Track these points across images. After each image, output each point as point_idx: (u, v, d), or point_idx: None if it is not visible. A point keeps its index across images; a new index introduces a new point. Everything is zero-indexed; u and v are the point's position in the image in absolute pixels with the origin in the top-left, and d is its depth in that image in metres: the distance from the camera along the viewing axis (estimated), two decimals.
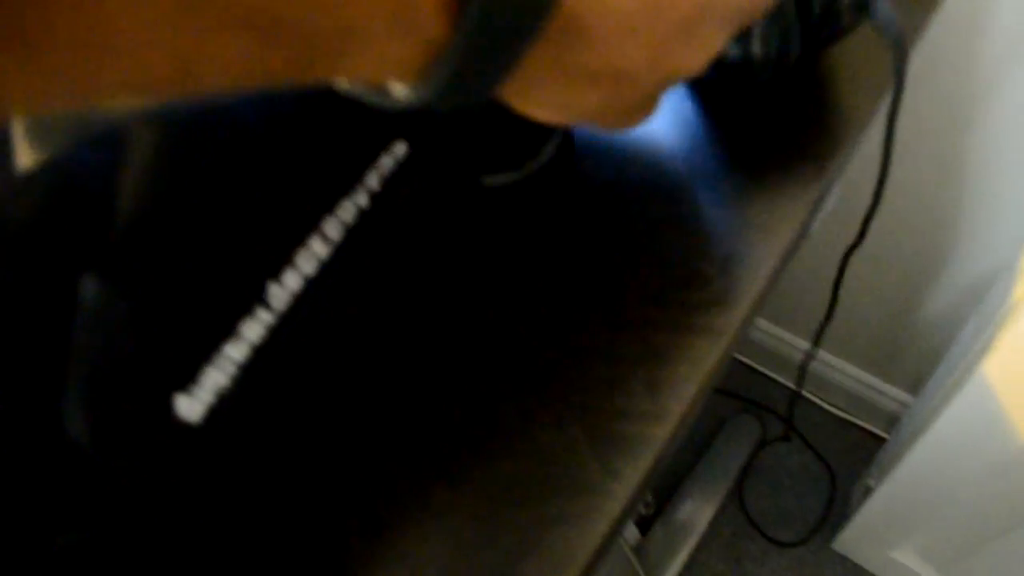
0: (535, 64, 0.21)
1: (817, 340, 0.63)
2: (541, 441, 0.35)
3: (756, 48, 0.37)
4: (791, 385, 1.34)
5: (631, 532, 1.16)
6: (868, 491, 1.05)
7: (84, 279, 0.24)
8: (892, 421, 1.24)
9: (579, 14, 0.20)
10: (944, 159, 0.82)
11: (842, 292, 0.60)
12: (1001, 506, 0.87)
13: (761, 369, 1.37)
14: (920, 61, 0.73)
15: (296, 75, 0.17)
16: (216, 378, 0.25)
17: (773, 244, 0.40)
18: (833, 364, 1.23)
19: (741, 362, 1.39)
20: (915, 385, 1.16)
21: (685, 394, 0.35)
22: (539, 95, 0.23)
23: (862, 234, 0.49)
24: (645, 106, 0.26)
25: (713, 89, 0.44)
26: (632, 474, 0.34)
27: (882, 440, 1.27)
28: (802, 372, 0.81)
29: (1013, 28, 0.68)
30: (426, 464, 0.34)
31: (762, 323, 1.28)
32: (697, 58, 0.25)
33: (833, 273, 1.05)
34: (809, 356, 0.70)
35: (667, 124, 0.44)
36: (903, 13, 0.48)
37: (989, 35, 0.69)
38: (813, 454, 1.30)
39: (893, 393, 1.20)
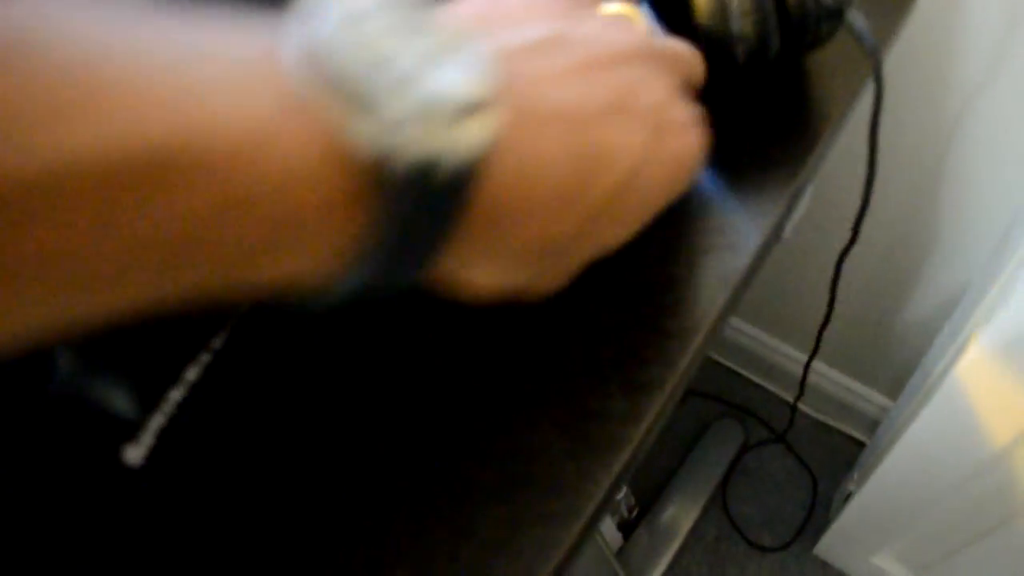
0: (458, 247, 0.21)
1: (816, 346, 0.64)
2: (517, 442, 0.35)
3: (735, 28, 0.38)
4: (772, 389, 1.35)
5: (614, 536, 1.17)
6: (849, 496, 1.06)
7: (61, 353, 0.26)
8: (873, 426, 1.25)
9: (500, 201, 0.21)
10: (920, 173, 0.83)
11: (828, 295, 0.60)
12: (978, 509, 0.88)
13: (743, 372, 1.38)
14: (896, 73, 0.74)
15: (217, 288, 0.18)
16: (159, 421, 0.27)
17: (744, 247, 0.40)
18: (815, 368, 1.24)
19: (723, 365, 1.40)
20: (895, 390, 1.17)
21: (659, 395, 0.36)
22: (464, 274, 0.23)
23: (853, 238, 0.50)
24: (568, 275, 0.27)
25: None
26: (606, 474, 0.34)
27: (863, 445, 1.28)
28: (802, 384, 0.82)
29: (988, 44, 0.69)
30: (400, 463, 0.34)
31: (743, 326, 1.29)
32: (618, 235, 0.26)
33: (813, 277, 1.06)
34: (808, 363, 0.70)
35: None
36: (878, 16, 0.49)
37: (963, 52, 0.71)
38: (795, 459, 1.31)
39: (874, 398, 1.21)
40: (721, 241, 0.40)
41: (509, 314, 0.38)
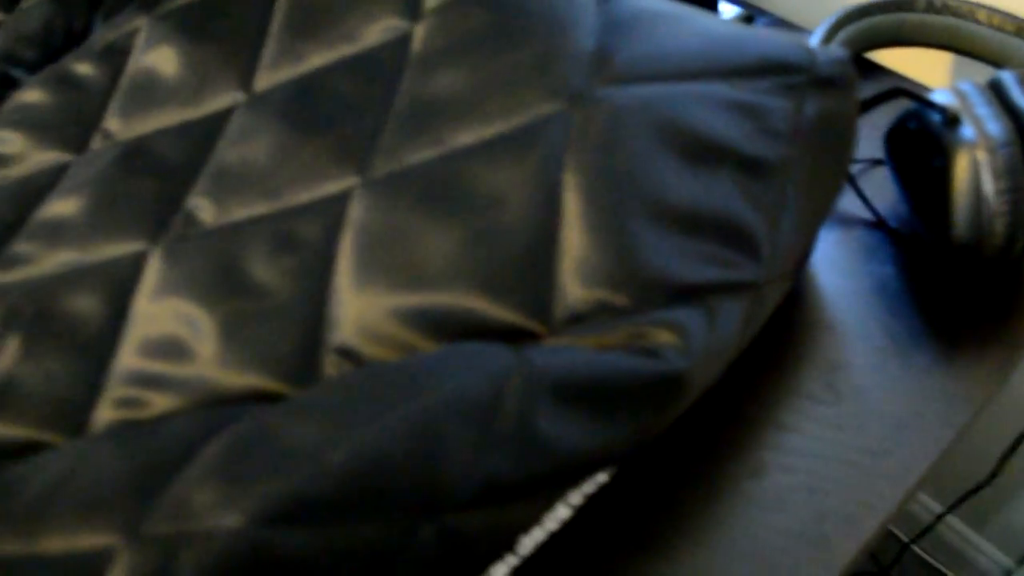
0: None
1: (959, 504, 0.65)
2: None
3: (989, 236, 0.41)
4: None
5: None
6: None
7: None
8: None
9: None
10: None
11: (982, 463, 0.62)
12: None
13: None
14: None
15: None
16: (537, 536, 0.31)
17: (954, 417, 0.43)
18: (934, 510, 1.21)
19: None
20: (1015, 548, 1.13)
21: (844, 554, 0.39)
22: None
23: None
24: None
25: (928, 261, 0.48)
26: None
27: None
28: (924, 532, 0.82)
29: None
30: None
31: None
32: None
33: (978, 439, 1.04)
34: (939, 518, 0.71)
35: (863, 286, 0.48)
36: None
37: None
38: None
39: (996, 556, 1.18)
40: (932, 408, 0.43)
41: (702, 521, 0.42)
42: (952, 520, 1.21)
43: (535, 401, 0.30)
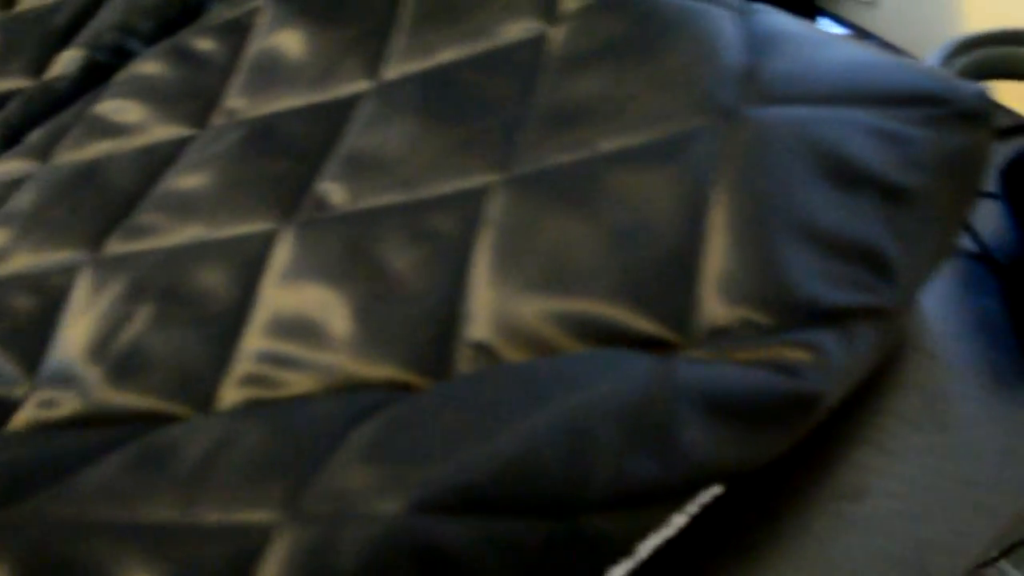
0: None
1: (1012, 550, 0.65)
2: None
3: None
4: None
5: None
6: None
7: None
8: None
9: None
10: None
11: None
12: None
13: None
14: None
15: None
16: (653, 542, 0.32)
17: None
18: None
19: None
20: None
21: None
22: None
23: None
24: None
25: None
26: None
27: None
28: (977, 568, 0.82)
29: None
30: None
31: None
32: None
33: None
34: (990, 561, 0.71)
35: (967, 317, 0.49)
36: None
37: None
38: None
39: None
40: None
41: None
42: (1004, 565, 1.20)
43: (680, 411, 0.31)
